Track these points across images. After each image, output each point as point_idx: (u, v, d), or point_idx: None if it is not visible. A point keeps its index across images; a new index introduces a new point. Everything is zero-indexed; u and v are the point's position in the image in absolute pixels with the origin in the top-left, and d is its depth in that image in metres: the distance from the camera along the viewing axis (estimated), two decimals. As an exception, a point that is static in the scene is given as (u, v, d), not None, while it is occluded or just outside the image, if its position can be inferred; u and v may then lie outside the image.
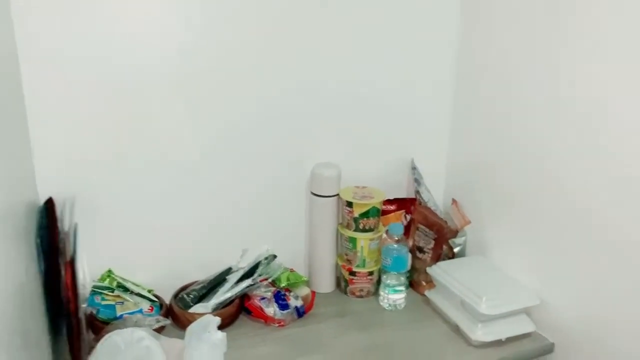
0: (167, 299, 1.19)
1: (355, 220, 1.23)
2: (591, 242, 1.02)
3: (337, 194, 1.25)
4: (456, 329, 1.15)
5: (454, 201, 1.35)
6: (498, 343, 1.11)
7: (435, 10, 1.30)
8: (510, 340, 1.11)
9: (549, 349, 1.12)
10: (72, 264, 0.96)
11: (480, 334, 1.09)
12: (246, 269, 1.22)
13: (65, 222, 1.01)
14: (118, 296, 1.12)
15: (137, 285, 1.16)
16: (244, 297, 1.20)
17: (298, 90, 1.22)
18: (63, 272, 0.93)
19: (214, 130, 1.17)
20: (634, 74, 0.92)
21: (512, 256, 1.21)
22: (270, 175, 1.25)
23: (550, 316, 1.12)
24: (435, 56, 1.33)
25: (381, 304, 1.26)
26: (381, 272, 1.26)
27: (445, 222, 1.27)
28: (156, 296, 1.17)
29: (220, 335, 0.92)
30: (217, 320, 0.93)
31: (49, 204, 1.02)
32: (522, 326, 1.13)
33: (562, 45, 1.05)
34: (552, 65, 1.07)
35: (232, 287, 1.18)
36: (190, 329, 0.93)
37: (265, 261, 1.23)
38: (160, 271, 1.21)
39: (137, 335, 0.87)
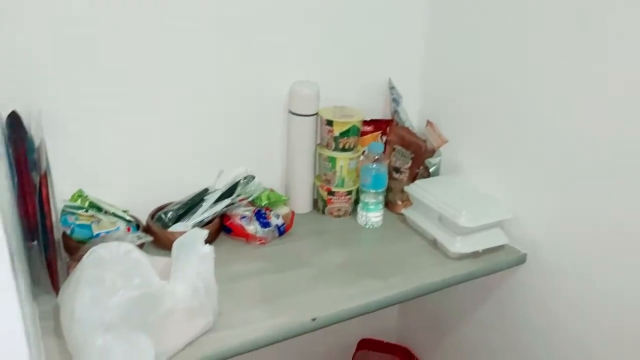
0: (142, 220, 1.15)
1: (335, 139, 1.22)
2: (561, 159, 1.06)
3: (316, 113, 1.23)
4: (433, 243, 1.18)
5: (429, 122, 1.35)
6: (474, 255, 1.15)
7: None
8: (486, 252, 1.16)
9: (522, 259, 1.17)
10: (46, 177, 0.91)
11: (459, 246, 1.12)
12: (224, 189, 1.20)
13: (33, 138, 0.95)
14: (92, 216, 1.08)
15: (111, 206, 1.12)
16: (222, 217, 1.18)
17: (274, 9, 1.17)
18: (37, 186, 0.88)
19: (188, 44, 1.11)
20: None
21: (486, 174, 1.24)
22: (247, 94, 1.21)
23: (523, 230, 1.16)
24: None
25: (359, 222, 1.27)
26: (359, 191, 1.26)
27: (424, 141, 1.28)
28: (132, 217, 1.13)
29: (209, 248, 0.90)
30: (205, 233, 0.91)
31: (13, 117, 0.95)
32: (497, 239, 1.17)
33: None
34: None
35: (212, 206, 1.16)
36: (178, 242, 0.91)
37: (244, 181, 1.21)
38: (133, 193, 1.17)
39: (124, 248, 0.84)
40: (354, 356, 1.56)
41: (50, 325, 0.89)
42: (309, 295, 1.01)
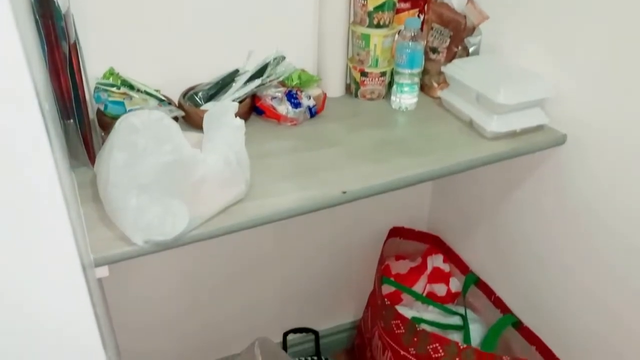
0: (174, 100, 1.15)
1: (370, 14, 1.16)
2: (609, 33, 0.98)
3: (350, -13, 1.17)
4: (469, 124, 1.15)
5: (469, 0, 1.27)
6: (511, 135, 1.11)
7: None
8: (524, 132, 1.12)
9: (562, 140, 1.13)
10: (76, 47, 0.90)
11: (495, 125, 1.09)
12: (254, 70, 1.17)
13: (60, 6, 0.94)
14: (124, 93, 1.08)
15: (143, 85, 1.12)
16: (253, 98, 1.17)
17: None
18: (68, 55, 0.87)
19: None
20: None
21: (528, 52, 1.17)
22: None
23: (564, 109, 1.11)
24: None
25: (393, 106, 1.24)
26: (394, 73, 1.22)
27: (464, 17, 1.21)
28: (164, 96, 1.13)
29: (239, 120, 0.90)
30: (235, 105, 0.90)
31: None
32: (536, 118, 1.12)
33: None
34: None
35: (242, 87, 1.15)
36: (209, 114, 0.91)
37: (275, 61, 1.18)
38: (163, 74, 1.16)
39: (156, 116, 0.84)
40: (384, 243, 1.58)
41: (89, 193, 0.92)
42: (339, 172, 1.01)
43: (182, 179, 0.83)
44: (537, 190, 1.24)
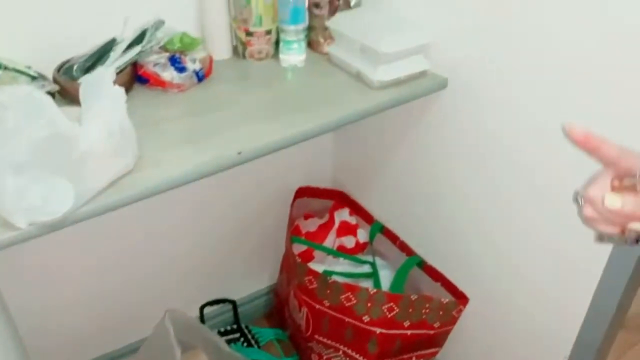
0: (48, 76, 1.07)
1: (247, -29, 1.14)
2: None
3: (223, -56, 1.14)
4: (357, 76, 1.17)
5: (346, -47, 1.28)
6: (397, 83, 1.14)
7: None
8: (408, 79, 1.16)
9: (443, 84, 1.18)
10: None
11: (380, 74, 1.12)
12: (132, 37, 1.12)
13: None
14: (-11, 73, 0.99)
15: (10, 61, 1.03)
16: (135, 66, 1.12)
17: None
18: None
19: None
20: None
21: (407, 1, 1.21)
22: None
23: (444, 54, 1.16)
24: None
25: (282, 64, 1.23)
26: (279, 30, 1.21)
27: (341, -31, 1.22)
28: (36, 72, 1.05)
29: (118, 88, 0.86)
30: (112, 71, 0.86)
31: None
32: (418, 64, 1.16)
33: None
34: None
35: (121, 55, 1.09)
36: (85, 84, 0.86)
37: (153, 26, 1.13)
38: (33, 49, 1.07)
39: (23, 90, 0.79)
40: (292, 204, 1.60)
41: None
42: (233, 133, 1.00)
43: (62, 153, 0.78)
44: (427, 133, 1.29)
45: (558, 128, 1.00)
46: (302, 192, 1.64)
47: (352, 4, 1.27)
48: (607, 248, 1.00)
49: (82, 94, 0.85)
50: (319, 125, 1.03)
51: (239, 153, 0.94)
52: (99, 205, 0.82)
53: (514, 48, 1.03)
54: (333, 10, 1.25)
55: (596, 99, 0.93)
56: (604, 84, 0.91)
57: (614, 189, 0.57)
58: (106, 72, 0.85)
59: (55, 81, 1.05)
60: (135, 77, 1.12)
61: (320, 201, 1.68)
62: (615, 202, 0.54)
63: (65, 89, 1.03)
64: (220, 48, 1.24)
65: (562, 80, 0.97)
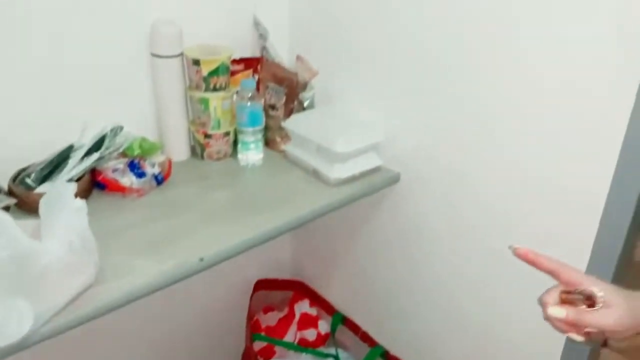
0: (3, 186, 1.06)
1: (205, 79, 1.19)
2: (428, 82, 1.12)
3: (181, 53, 1.18)
4: (315, 174, 1.21)
5: (298, 57, 1.35)
6: (353, 179, 1.19)
7: None
8: (363, 175, 1.21)
9: (396, 178, 1.24)
10: None
11: (337, 172, 1.16)
12: (90, 143, 1.13)
13: None
14: (-59, 186, 0.97)
15: (-37, 173, 1.02)
16: (93, 173, 1.12)
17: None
18: None
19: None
20: None
21: (358, 101, 1.28)
22: (104, 38, 1.13)
23: (395, 150, 1.23)
24: None
25: (241, 163, 1.26)
26: (237, 131, 1.25)
27: (296, 74, 1.29)
28: (-11, 183, 1.04)
29: (80, 202, 0.85)
30: (73, 185, 0.86)
31: None
32: (372, 161, 1.22)
33: None
34: None
35: (79, 163, 1.09)
36: (45, 199, 0.85)
37: (112, 132, 1.14)
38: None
39: (-20, 210, 0.77)
40: (251, 298, 1.58)
41: None
42: (195, 238, 1.00)
43: (22, 273, 0.76)
44: (384, 223, 1.33)
45: (503, 216, 1.06)
46: (261, 285, 1.63)
47: (305, 105, 1.34)
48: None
49: (42, 208, 0.84)
50: (281, 225, 1.05)
51: (201, 259, 0.94)
52: (58, 325, 0.79)
53: (464, 143, 1.10)
54: (288, 111, 1.31)
55: (541, 198, 1.00)
56: (551, 184, 0.99)
57: (561, 299, 0.62)
58: (68, 185, 0.85)
59: (10, 191, 1.04)
60: (93, 183, 1.12)
61: (280, 293, 1.67)
62: (556, 312, 0.60)
63: (21, 200, 1.02)
64: (178, 149, 1.27)
65: (508, 178, 1.04)
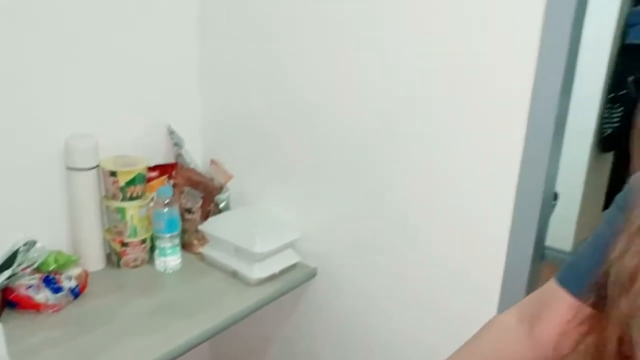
0: None
1: (122, 189, 1.21)
2: (341, 181, 1.22)
3: (97, 165, 1.21)
4: (234, 275, 1.24)
5: (212, 161, 1.42)
6: (272, 277, 1.24)
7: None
8: (282, 272, 1.26)
9: (313, 273, 1.30)
10: None
11: (257, 272, 1.21)
12: (1, 260, 1.10)
13: None
14: None
15: None
16: (5, 291, 1.08)
17: (43, 58, 1.13)
18: None
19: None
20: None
21: (272, 201, 1.36)
22: (17, 150, 1.13)
23: (311, 247, 1.30)
24: (176, 20, 1.36)
25: (158, 269, 1.27)
26: (154, 238, 1.27)
27: (211, 179, 1.34)
28: None
29: (-5, 327, 0.83)
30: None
31: None
32: (290, 259, 1.28)
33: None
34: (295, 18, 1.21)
35: (-11, 282, 1.06)
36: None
37: (25, 247, 1.12)
38: None
39: None
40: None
41: None
42: (114, 354, 0.98)
43: None
44: (302, 319, 1.38)
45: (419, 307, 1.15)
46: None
47: (221, 207, 1.39)
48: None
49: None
50: (202, 332, 1.06)
51: (124, 375, 0.93)
52: None
53: (377, 238, 1.19)
54: (205, 214, 1.35)
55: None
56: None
57: None
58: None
59: None
60: (4, 302, 1.08)
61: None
62: None
63: None
64: (94, 259, 1.25)
65: (421, 261, 1.14)
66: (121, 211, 1.23)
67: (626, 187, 0.65)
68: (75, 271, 1.16)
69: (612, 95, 2.52)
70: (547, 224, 1.03)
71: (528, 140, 0.96)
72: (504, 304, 1.04)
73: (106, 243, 1.28)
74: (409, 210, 1.13)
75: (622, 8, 2.42)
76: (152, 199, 1.28)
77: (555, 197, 1.62)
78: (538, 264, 1.04)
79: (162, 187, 1.27)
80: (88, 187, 1.21)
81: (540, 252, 1.04)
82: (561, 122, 0.96)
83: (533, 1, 0.91)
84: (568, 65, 0.91)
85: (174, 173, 1.38)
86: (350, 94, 1.16)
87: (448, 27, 1.00)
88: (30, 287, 1.09)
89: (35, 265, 1.11)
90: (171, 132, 1.38)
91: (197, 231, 1.33)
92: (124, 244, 1.25)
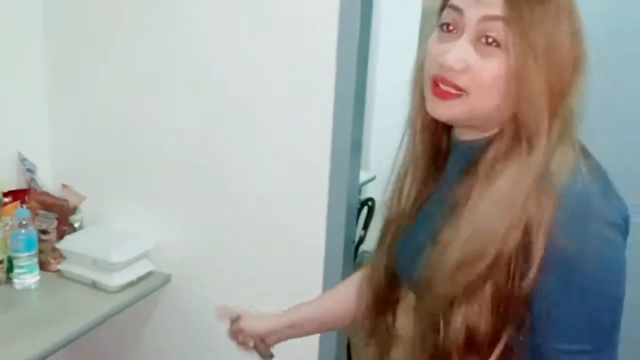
0: None
1: (-23, 214, 1.28)
2: (188, 195, 1.41)
3: (-50, 193, 1.26)
4: (93, 285, 1.37)
5: (64, 185, 1.53)
6: (130, 285, 1.38)
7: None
8: (139, 280, 1.41)
9: (168, 279, 1.47)
10: None
11: (116, 279, 1.35)
12: None
13: None
14: None
15: None
16: None
17: None
18: None
19: None
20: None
21: (127, 218, 1.50)
22: None
23: (163, 255, 1.46)
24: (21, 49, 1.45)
25: (17, 287, 1.34)
26: (11, 258, 1.34)
27: (66, 200, 1.45)
28: None
29: None
30: None
31: None
32: (145, 267, 1.43)
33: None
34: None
35: None
36: None
37: None
38: None
39: None
40: None
41: None
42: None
43: None
44: (159, 324, 1.53)
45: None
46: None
47: (76, 226, 1.50)
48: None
49: None
50: (65, 337, 1.17)
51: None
52: None
53: (224, 243, 1.40)
54: (61, 234, 1.45)
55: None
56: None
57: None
58: None
59: None
60: None
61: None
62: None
63: None
64: (-52, 284, 1.29)
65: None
66: (-23, 235, 1.29)
67: None
68: None
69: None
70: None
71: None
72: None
73: (-38, 268, 1.32)
74: (251, 217, 1.36)
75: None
76: (7, 222, 1.36)
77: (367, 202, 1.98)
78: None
79: (19, 210, 1.35)
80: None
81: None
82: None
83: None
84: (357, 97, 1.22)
85: (26, 198, 1.46)
86: (174, 118, 1.37)
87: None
88: None
89: None
90: (23, 159, 1.47)
91: (53, 250, 1.42)
92: (-21, 266, 1.31)
